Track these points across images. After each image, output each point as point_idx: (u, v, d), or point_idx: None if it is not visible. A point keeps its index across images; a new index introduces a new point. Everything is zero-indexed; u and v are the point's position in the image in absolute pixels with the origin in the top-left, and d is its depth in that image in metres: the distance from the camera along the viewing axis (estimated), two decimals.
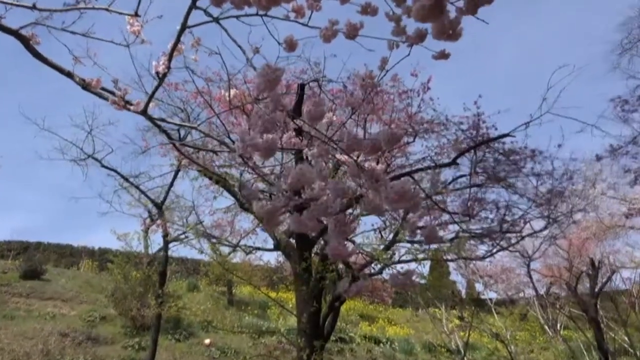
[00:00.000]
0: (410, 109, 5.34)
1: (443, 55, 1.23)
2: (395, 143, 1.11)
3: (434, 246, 5.60)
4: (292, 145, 2.05)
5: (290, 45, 1.42)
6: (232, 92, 3.25)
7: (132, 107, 2.59)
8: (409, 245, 6.18)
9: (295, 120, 1.36)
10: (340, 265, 7.19)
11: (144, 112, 2.67)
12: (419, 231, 1.22)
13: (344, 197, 1.15)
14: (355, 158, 1.09)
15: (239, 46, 2.18)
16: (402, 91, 5.19)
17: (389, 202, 1.03)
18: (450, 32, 0.90)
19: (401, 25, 1.17)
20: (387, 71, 1.38)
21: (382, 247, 6.31)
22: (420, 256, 5.91)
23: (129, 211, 9.25)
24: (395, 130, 1.10)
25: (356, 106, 2.45)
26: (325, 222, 1.17)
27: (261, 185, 4.67)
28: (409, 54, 1.26)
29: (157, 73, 2.36)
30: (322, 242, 5.68)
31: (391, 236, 6.50)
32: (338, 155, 1.22)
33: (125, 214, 8.85)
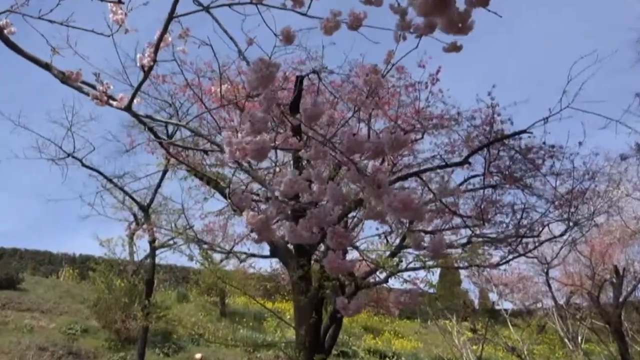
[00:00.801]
0: (418, 103, 5.35)
1: (454, 48, 1.23)
2: (400, 147, 1.10)
3: (444, 252, 5.61)
4: (289, 146, 2.04)
5: (288, 37, 1.42)
6: (224, 87, 3.24)
7: (115, 103, 2.57)
8: (417, 251, 6.18)
9: (292, 118, 1.36)
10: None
11: (128, 109, 2.66)
12: (424, 243, 1.21)
13: (344, 202, 1.15)
14: (355, 161, 1.08)
15: (231, 38, 2.18)
16: (408, 84, 5.18)
17: (392, 210, 1.03)
18: (459, 25, 0.90)
19: (407, 20, 1.16)
20: (394, 65, 1.37)
21: (387, 253, 6.30)
22: (430, 263, 5.90)
23: (113, 215, 9.26)
24: (399, 134, 1.09)
25: (359, 103, 2.44)
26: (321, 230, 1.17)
27: (256, 186, 4.67)
28: (417, 46, 1.26)
29: (142, 66, 2.35)
30: (322, 247, 5.68)
31: (397, 241, 6.51)
32: (339, 156, 1.22)
33: (109, 217, 8.88)
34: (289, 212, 1.23)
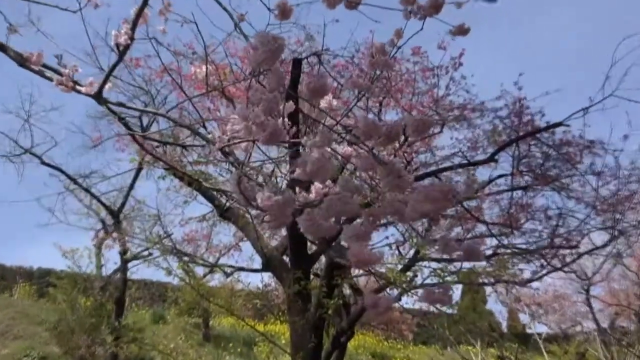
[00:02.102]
0: (437, 91, 5.37)
1: (462, 31, 1.24)
2: (425, 131, 1.13)
3: (466, 266, 5.63)
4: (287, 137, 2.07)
5: (284, 11, 1.43)
6: (206, 69, 3.25)
7: (83, 89, 2.61)
8: (434, 264, 6.20)
9: (290, 102, 1.37)
10: (347, 290, 7.23)
11: (98, 96, 2.69)
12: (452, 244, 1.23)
13: (359, 194, 1.15)
14: (369, 147, 1.10)
15: (224, 8, 2.20)
16: (426, 68, 5.21)
17: (418, 203, 1.04)
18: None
19: None
20: (399, 48, 1.40)
21: (400, 267, 6.32)
22: (449, 279, 5.91)
23: (77, 221, 9.29)
24: (425, 118, 1.13)
25: (364, 88, 2.46)
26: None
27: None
28: (422, 29, 1.28)
29: (117, 45, 2.39)
30: (324, 259, 5.70)
31: (412, 253, 6.53)
32: (341, 149, 1.24)
33: (72, 224, 8.89)
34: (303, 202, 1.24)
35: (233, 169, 4.55)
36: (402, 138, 5.30)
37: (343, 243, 6.09)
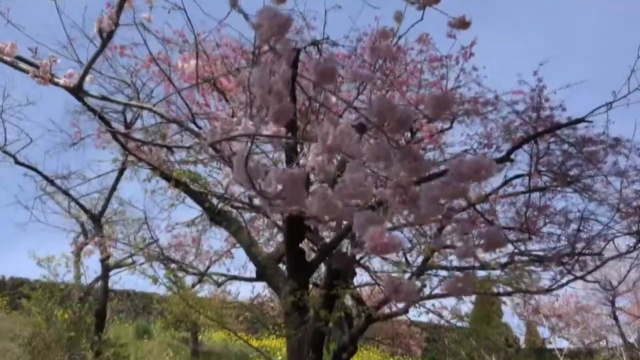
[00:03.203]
0: (446, 83, 5.38)
1: (462, 24, 1.26)
2: (445, 110, 1.14)
3: (480, 275, 5.65)
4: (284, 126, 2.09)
5: None
6: (196, 58, 3.27)
7: (62, 81, 2.64)
8: (444, 272, 6.22)
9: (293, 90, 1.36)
10: (349, 301, 7.25)
11: (78, 88, 2.72)
12: (465, 237, 1.24)
13: (389, 160, 1.14)
14: (384, 131, 1.09)
15: None
16: (434, 58, 5.23)
17: (436, 190, 1.04)
18: None
19: None
20: (401, 37, 1.43)
21: (407, 275, 6.34)
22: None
23: (55, 226, 9.32)
24: (445, 94, 1.14)
25: (365, 78, 2.47)
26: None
27: (238, 189, 4.72)
28: (422, 19, 1.31)
29: (100, 31, 2.42)
30: (323, 268, 5.72)
31: (420, 260, 6.56)
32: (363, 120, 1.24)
33: (49, 229, 8.92)
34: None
35: (226, 169, 4.58)
36: (409, 134, 5.34)
37: (344, 250, 6.12)
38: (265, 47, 1.22)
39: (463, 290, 1.20)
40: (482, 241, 1.18)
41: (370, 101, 1.14)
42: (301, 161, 2.68)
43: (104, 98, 3.48)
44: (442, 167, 5.70)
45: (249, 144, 1.19)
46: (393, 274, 6.22)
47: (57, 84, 2.67)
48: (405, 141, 4.80)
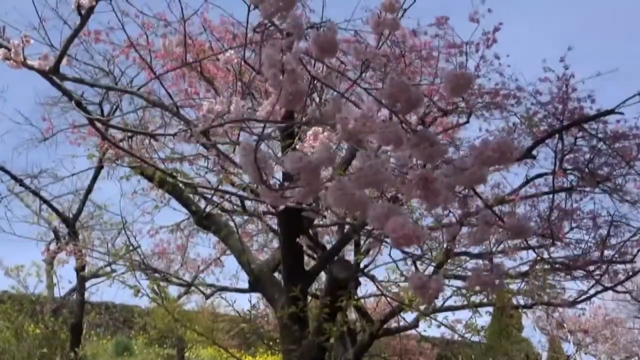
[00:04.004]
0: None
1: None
2: (466, 89, 1.13)
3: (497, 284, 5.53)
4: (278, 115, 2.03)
5: None
6: (184, 40, 3.14)
7: (36, 64, 2.56)
8: (458, 282, 6.14)
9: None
10: (353, 315, 7.14)
11: (54, 71, 2.62)
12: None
13: (400, 144, 1.15)
14: (396, 114, 1.10)
15: None
16: (451, 44, 5.11)
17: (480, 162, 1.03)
18: None
19: None
20: (406, 10, 1.36)
21: None
22: (476, 299, 5.83)
23: (24, 231, 9.18)
24: (465, 72, 1.11)
25: (368, 57, 2.39)
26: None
27: (230, 187, 4.59)
28: None
29: (79, 8, 2.36)
30: (324, 278, 5.61)
31: (431, 269, 6.44)
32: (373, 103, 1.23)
33: (18, 235, 8.76)
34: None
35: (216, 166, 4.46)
36: (421, 125, 5.23)
37: (348, 258, 6.00)
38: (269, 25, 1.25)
39: (490, 284, 1.18)
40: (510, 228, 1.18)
41: (383, 82, 1.16)
42: (298, 146, 2.57)
43: (82, 82, 3.39)
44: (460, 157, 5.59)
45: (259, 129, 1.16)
46: (401, 284, 6.09)
47: (31, 67, 2.59)
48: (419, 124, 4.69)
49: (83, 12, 2.48)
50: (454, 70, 1.17)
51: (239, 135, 2.88)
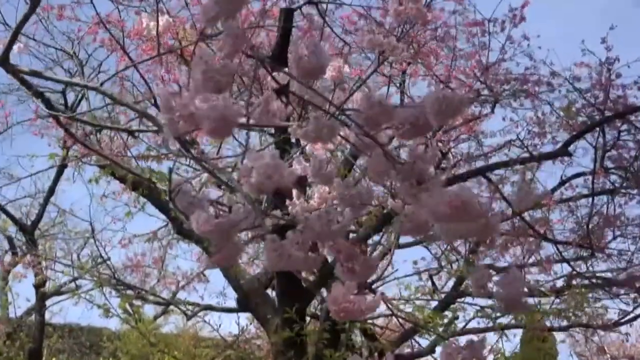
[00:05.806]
0: (487, 55, 5.34)
1: None
2: (456, 115, 1.09)
3: (529, 301, 5.60)
4: (270, 118, 2.06)
5: None
6: (163, 20, 3.20)
7: None
8: (482, 301, 6.17)
9: (275, 74, 1.33)
10: (358, 337, 7.20)
11: (3, 60, 2.68)
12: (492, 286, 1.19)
13: (362, 208, 1.14)
14: (381, 141, 1.06)
15: None
16: (472, 22, 5.18)
17: (440, 217, 0.98)
18: None
19: None
20: None
21: (434, 304, 6.28)
22: (502, 321, 5.87)
23: None
24: (459, 94, 1.14)
25: (387, 48, 2.43)
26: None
27: (217, 193, 4.66)
28: None
29: None
30: (325, 294, 5.67)
31: (451, 284, 6.50)
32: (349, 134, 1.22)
33: None
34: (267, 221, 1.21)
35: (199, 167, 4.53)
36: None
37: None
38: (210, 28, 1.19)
39: (520, 302, 1.10)
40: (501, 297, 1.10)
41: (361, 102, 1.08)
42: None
43: (36, 74, 3.41)
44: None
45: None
46: (417, 302, 6.16)
47: None
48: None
49: None
50: (437, 91, 1.07)
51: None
